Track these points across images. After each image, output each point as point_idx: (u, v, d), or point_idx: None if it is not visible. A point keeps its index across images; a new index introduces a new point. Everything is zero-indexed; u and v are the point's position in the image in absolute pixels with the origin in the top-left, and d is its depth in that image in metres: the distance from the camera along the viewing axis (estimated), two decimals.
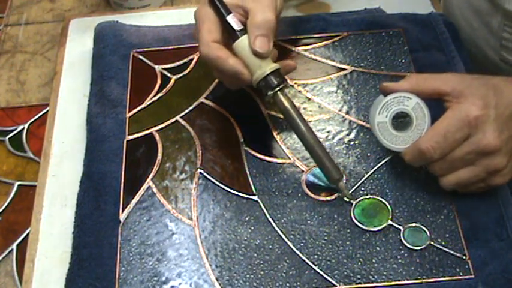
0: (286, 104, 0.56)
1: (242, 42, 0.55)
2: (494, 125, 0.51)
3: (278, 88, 0.56)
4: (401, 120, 0.56)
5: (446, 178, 0.54)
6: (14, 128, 0.70)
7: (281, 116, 0.64)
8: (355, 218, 0.57)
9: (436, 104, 0.55)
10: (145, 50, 0.70)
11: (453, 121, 0.52)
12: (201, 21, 0.56)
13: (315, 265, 0.54)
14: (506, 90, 0.53)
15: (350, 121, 0.64)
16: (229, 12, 0.56)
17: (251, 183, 0.59)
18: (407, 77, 0.56)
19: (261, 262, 0.55)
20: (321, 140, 0.62)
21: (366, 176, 0.59)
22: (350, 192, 0.58)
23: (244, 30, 0.56)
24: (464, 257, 0.54)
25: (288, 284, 0.54)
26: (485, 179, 0.54)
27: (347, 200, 0.58)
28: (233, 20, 0.56)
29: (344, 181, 0.58)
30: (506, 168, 0.53)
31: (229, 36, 0.56)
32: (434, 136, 0.52)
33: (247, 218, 0.57)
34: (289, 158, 0.61)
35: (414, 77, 0.56)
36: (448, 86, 0.53)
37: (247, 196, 0.59)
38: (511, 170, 0.54)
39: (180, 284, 0.54)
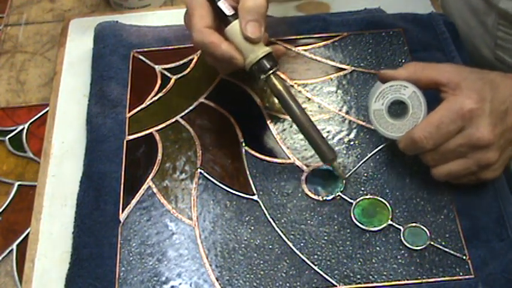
0: (280, 86, 0.57)
1: (234, 27, 0.55)
2: (488, 119, 0.51)
3: (271, 71, 0.56)
4: (397, 108, 0.56)
5: (437, 169, 0.55)
6: (14, 128, 0.70)
7: (280, 115, 0.64)
8: (355, 218, 0.57)
9: (433, 94, 0.55)
10: (145, 50, 0.70)
11: (447, 113, 0.52)
12: (193, 8, 0.56)
13: (315, 265, 0.54)
14: (502, 86, 0.53)
15: (350, 121, 0.64)
16: None
17: (251, 183, 0.59)
18: (405, 66, 0.57)
19: (261, 262, 0.55)
20: None
21: (357, 166, 0.59)
22: (349, 173, 0.58)
23: (236, 15, 0.56)
24: (464, 257, 0.54)
25: (288, 284, 0.54)
26: (476, 173, 0.54)
27: (341, 178, 0.58)
28: (224, 5, 0.56)
29: (339, 164, 0.59)
30: (498, 163, 0.53)
31: (220, 21, 0.57)
32: (427, 126, 0.52)
33: (247, 218, 0.57)
34: (289, 158, 0.61)
35: (412, 65, 0.56)
36: (445, 77, 0.54)
37: (247, 196, 0.59)
38: (502, 165, 0.54)
39: (180, 284, 0.54)
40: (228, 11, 0.56)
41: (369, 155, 0.60)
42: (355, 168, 0.59)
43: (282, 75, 0.67)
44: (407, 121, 0.55)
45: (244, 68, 0.57)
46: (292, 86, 0.67)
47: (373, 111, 0.56)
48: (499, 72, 0.55)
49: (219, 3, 0.56)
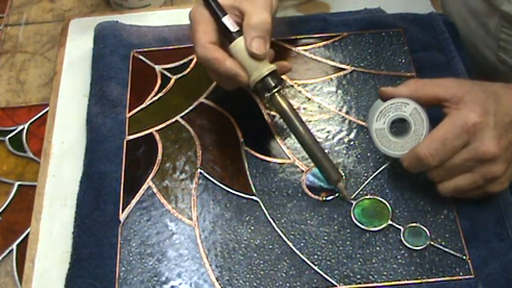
0: (284, 105, 0.57)
1: (238, 44, 0.55)
2: (493, 132, 0.51)
3: (276, 89, 0.56)
4: (399, 126, 0.55)
5: (443, 185, 0.54)
6: (14, 128, 0.70)
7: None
8: (355, 218, 0.57)
9: (434, 109, 0.54)
10: (145, 50, 0.70)
11: (452, 128, 0.51)
12: (197, 23, 0.56)
13: (315, 265, 0.54)
14: (505, 97, 0.53)
15: (350, 121, 0.64)
16: (224, 14, 0.56)
17: (251, 183, 0.59)
18: (406, 83, 0.56)
19: (261, 262, 0.55)
20: (321, 140, 0.62)
21: (368, 179, 0.59)
22: (355, 193, 0.58)
23: (240, 32, 0.55)
24: (464, 257, 0.54)
25: (288, 284, 0.54)
26: (482, 186, 0.53)
27: (347, 201, 0.58)
28: (229, 22, 0.56)
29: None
30: (504, 176, 0.53)
31: (224, 37, 0.56)
32: (432, 143, 0.52)
33: (247, 218, 0.57)
34: (289, 158, 0.61)
35: (413, 82, 0.56)
36: (447, 93, 0.53)
37: (247, 196, 0.59)
38: (509, 177, 0.53)
39: (180, 284, 0.54)
40: (232, 27, 0.55)
41: (376, 172, 0.59)
42: (364, 185, 0.59)
43: (282, 75, 0.67)
44: (410, 139, 0.55)
45: (248, 86, 0.56)
46: (292, 86, 0.67)
47: (375, 130, 0.55)
48: (501, 83, 0.54)
49: (224, 19, 0.55)
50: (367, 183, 0.59)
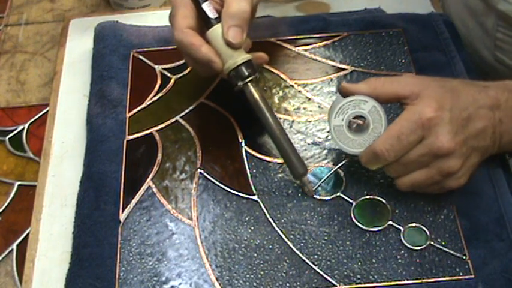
0: (256, 95, 0.57)
1: (216, 31, 0.55)
2: (448, 128, 0.51)
3: (249, 79, 0.56)
4: (358, 124, 0.55)
5: (401, 180, 0.54)
6: (14, 128, 0.70)
7: (280, 114, 0.64)
8: (355, 218, 0.57)
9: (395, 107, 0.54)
10: (145, 50, 0.70)
11: (407, 123, 0.51)
12: (177, 7, 0.56)
13: (315, 265, 0.54)
14: (464, 93, 0.53)
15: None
16: (205, 0, 0.56)
17: (251, 183, 0.59)
18: (366, 81, 0.56)
19: (261, 262, 0.55)
20: (320, 140, 0.62)
21: (330, 172, 0.59)
22: (315, 187, 0.58)
23: (218, 19, 0.56)
24: (464, 257, 0.54)
25: (288, 284, 0.54)
26: (440, 182, 0.53)
27: (310, 195, 0.58)
28: (208, 8, 0.56)
29: (308, 176, 0.58)
30: (461, 171, 0.53)
31: (203, 23, 0.56)
32: (388, 138, 0.52)
33: (247, 218, 0.57)
34: None
35: (373, 80, 0.56)
36: (406, 90, 0.53)
37: (247, 196, 0.59)
38: (466, 173, 0.53)
39: (180, 284, 0.54)
40: (211, 13, 0.56)
41: (337, 166, 0.60)
42: (324, 178, 0.59)
43: (282, 75, 0.67)
44: (368, 136, 0.55)
45: (222, 73, 0.56)
46: (292, 86, 0.67)
47: (333, 127, 0.55)
48: (461, 79, 0.55)
49: (204, 5, 0.56)
50: (327, 177, 0.59)
